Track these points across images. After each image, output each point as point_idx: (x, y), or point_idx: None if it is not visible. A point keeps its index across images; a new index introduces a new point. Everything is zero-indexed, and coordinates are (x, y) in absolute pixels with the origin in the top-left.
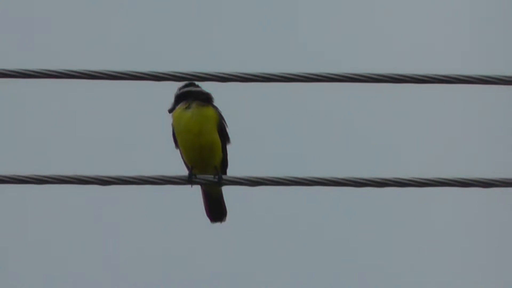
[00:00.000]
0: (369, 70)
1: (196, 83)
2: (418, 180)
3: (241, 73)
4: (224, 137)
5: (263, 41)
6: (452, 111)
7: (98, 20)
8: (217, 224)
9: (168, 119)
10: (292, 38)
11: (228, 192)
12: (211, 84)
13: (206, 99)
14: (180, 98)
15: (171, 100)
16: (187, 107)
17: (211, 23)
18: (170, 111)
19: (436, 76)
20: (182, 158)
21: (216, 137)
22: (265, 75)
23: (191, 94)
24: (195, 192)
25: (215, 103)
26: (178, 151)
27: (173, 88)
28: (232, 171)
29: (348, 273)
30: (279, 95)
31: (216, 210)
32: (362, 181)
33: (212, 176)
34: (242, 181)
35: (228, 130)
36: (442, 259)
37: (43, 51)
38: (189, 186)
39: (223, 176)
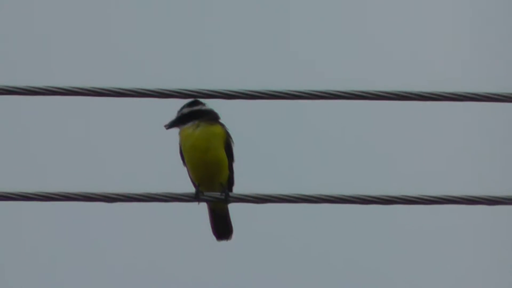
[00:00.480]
0: (374, 86)
1: (201, 100)
2: (425, 197)
3: (246, 90)
4: (230, 155)
5: (266, 58)
6: (458, 128)
7: (103, 38)
8: (223, 241)
9: (175, 136)
10: (295, 55)
11: (234, 210)
12: (216, 101)
13: (214, 117)
14: (187, 117)
15: (173, 116)
16: (196, 127)
17: (212, 39)
18: (168, 127)
19: (443, 94)
20: (189, 175)
21: (223, 154)
22: (271, 92)
23: (198, 114)
24: (201, 210)
25: (221, 120)
26: (184, 169)
27: (179, 105)
28: (238, 189)
29: None
30: (286, 112)
31: (222, 228)
32: (369, 198)
33: (219, 193)
34: (249, 198)
35: (234, 148)
36: (449, 276)
37: (50, 67)
38: (196, 203)
39: (230, 193)
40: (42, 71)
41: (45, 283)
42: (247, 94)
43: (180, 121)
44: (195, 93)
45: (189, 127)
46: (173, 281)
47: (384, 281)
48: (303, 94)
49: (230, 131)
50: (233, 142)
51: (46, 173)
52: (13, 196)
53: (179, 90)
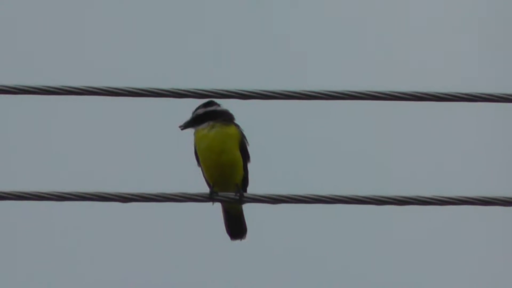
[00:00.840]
0: (389, 88)
1: (216, 100)
2: (439, 198)
3: (262, 90)
4: (245, 156)
5: (280, 58)
6: (474, 128)
7: (118, 38)
8: (237, 241)
9: (190, 136)
10: (309, 56)
11: (249, 210)
12: (231, 102)
13: (228, 118)
14: (202, 118)
15: (187, 117)
16: (211, 128)
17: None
18: (183, 128)
19: (458, 95)
20: (204, 176)
21: (238, 155)
22: (286, 92)
23: (213, 114)
24: (215, 209)
25: (236, 121)
26: (199, 169)
27: (194, 105)
28: (253, 189)
29: None
30: (301, 112)
31: (236, 228)
32: (383, 199)
33: (233, 193)
34: (263, 198)
35: (249, 148)
36: (464, 276)
37: (65, 67)
38: (210, 203)
39: (244, 194)
40: (58, 71)
41: (59, 283)
42: (262, 94)
43: (195, 122)
44: (210, 93)
45: (204, 128)
46: (187, 280)
47: (399, 281)
48: (318, 95)
49: (245, 132)
50: (248, 142)
51: (61, 173)
52: (28, 196)
53: (194, 90)
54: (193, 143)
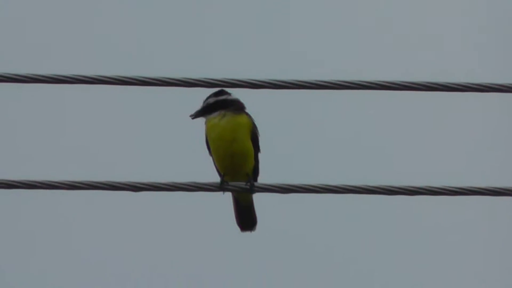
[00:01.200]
0: (398, 78)
1: (227, 90)
2: (450, 188)
3: (272, 80)
4: (256, 145)
5: (290, 48)
6: (484, 119)
7: (128, 27)
8: (247, 232)
9: (201, 125)
10: (318, 46)
11: (259, 201)
12: (242, 91)
13: (239, 107)
14: (213, 107)
15: (198, 106)
16: (222, 117)
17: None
18: (194, 117)
19: (468, 85)
20: (215, 165)
21: (249, 144)
22: (297, 82)
23: (224, 103)
24: (226, 200)
25: (247, 110)
26: (210, 158)
27: (205, 94)
28: (263, 179)
29: (379, 282)
30: (311, 101)
31: (246, 219)
32: (394, 189)
33: (244, 183)
34: (274, 188)
35: (259, 139)
36: (474, 269)
37: (75, 57)
38: (221, 193)
39: (255, 183)
40: (70, 60)
41: (70, 272)
42: (273, 84)
43: (205, 111)
44: (221, 83)
45: (215, 117)
46: (197, 271)
47: (408, 272)
48: (329, 84)
49: (255, 121)
50: (258, 132)
51: (72, 162)
52: (39, 185)
53: (204, 79)
54: (204, 132)
